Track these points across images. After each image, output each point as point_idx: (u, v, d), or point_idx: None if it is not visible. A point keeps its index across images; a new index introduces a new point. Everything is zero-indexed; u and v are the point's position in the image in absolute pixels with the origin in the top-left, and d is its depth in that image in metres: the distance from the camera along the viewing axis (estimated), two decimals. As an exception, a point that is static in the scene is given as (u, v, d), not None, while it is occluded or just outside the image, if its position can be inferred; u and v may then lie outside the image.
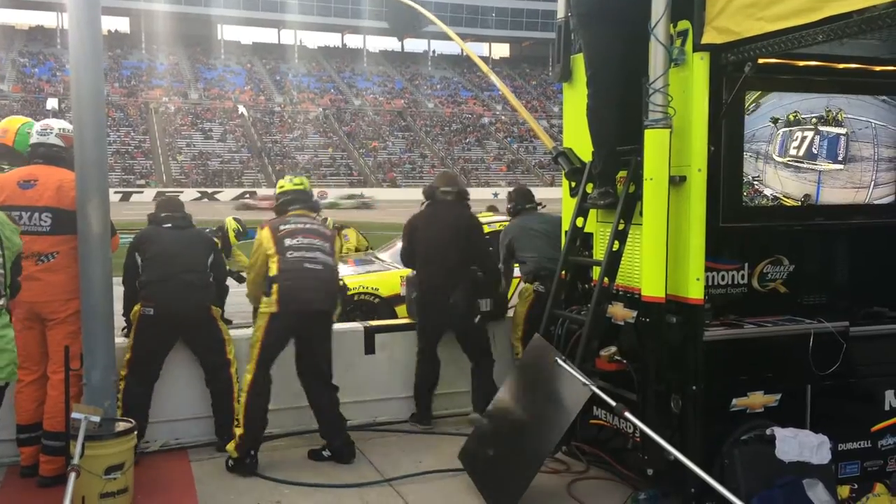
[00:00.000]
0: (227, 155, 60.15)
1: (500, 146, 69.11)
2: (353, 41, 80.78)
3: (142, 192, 52.90)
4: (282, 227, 4.90)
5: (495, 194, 52.01)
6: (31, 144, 4.59)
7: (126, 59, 70.79)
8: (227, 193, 52.18)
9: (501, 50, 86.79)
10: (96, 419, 3.86)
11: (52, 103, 58.68)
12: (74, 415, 3.85)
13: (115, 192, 47.22)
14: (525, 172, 64.89)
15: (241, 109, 66.24)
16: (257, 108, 68.07)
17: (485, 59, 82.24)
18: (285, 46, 78.41)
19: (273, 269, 4.75)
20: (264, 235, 4.91)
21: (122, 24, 74.97)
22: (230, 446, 4.63)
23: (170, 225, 5.01)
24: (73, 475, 3.24)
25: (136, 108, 64.00)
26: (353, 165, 62.40)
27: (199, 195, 52.79)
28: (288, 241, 4.82)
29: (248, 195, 48.73)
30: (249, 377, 4.64)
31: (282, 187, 5.26)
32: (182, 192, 54.65)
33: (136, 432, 4.22)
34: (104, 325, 4.30)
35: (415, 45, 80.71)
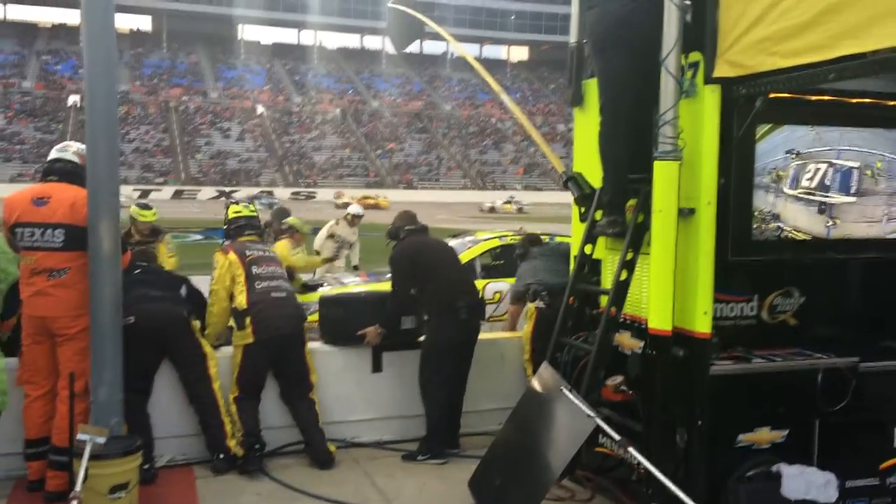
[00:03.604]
0: (245, 154, 60.52)
1: (517, 149, 69.04)
2: (373, 42, 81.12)
3: (160, 189, 53.34)
4: (248, 253, 5.20)
5: (511, 197, 51.95)
6: (49, 160, 4.67)
7: (147, 57, 71.45)
8: (244, 192, 52.70)
9: (520, 53, 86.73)
10: (102, 440, 3.88)
11: (73, 99, 59.28)
12: (80, 436, 3.86)
13: (134, 190, 47.61)
14: (542, 175, 64.79)
15: (260, 109, 66.63)
16: (276, 108, 68.46)
17: (503, 63, 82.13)
18: (305, 47, 78.89)
19: (242, 302, 5.04)
20: (232, 260, 5.15)
21: (143, 23, 75.75)
22: (236, 448, 4.86)
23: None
24: (74, 503, 3.26)
25: (156, 106, 64.58)
26: (370, 166, 62.57)
27: (216, 194, 53.13)
28: (255, 269, 5.12)
29: (264, 194, 49.00)
30: (235, 394, 4.99)
31: (238, 212, 5.57)
32: (200, 190, 55.19)
33: (141, 451, 4.23)
34: (113, 343, 4.33)
35: (433, 47, 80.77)
